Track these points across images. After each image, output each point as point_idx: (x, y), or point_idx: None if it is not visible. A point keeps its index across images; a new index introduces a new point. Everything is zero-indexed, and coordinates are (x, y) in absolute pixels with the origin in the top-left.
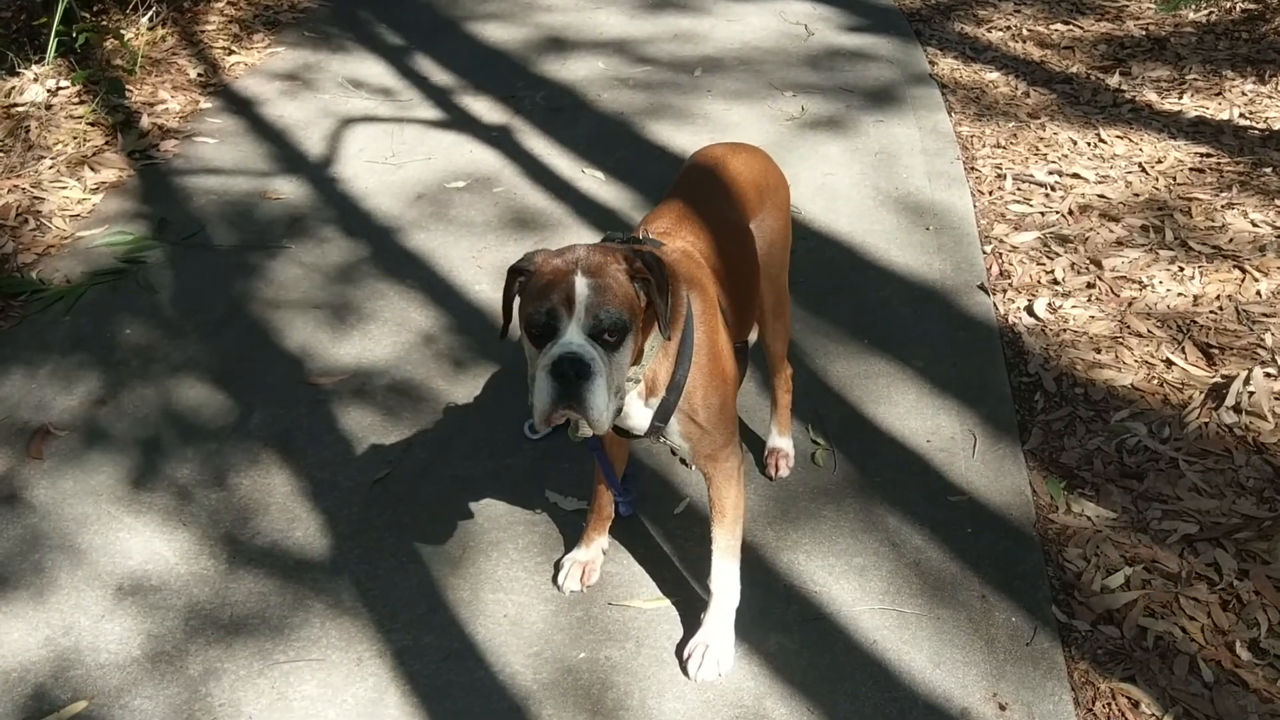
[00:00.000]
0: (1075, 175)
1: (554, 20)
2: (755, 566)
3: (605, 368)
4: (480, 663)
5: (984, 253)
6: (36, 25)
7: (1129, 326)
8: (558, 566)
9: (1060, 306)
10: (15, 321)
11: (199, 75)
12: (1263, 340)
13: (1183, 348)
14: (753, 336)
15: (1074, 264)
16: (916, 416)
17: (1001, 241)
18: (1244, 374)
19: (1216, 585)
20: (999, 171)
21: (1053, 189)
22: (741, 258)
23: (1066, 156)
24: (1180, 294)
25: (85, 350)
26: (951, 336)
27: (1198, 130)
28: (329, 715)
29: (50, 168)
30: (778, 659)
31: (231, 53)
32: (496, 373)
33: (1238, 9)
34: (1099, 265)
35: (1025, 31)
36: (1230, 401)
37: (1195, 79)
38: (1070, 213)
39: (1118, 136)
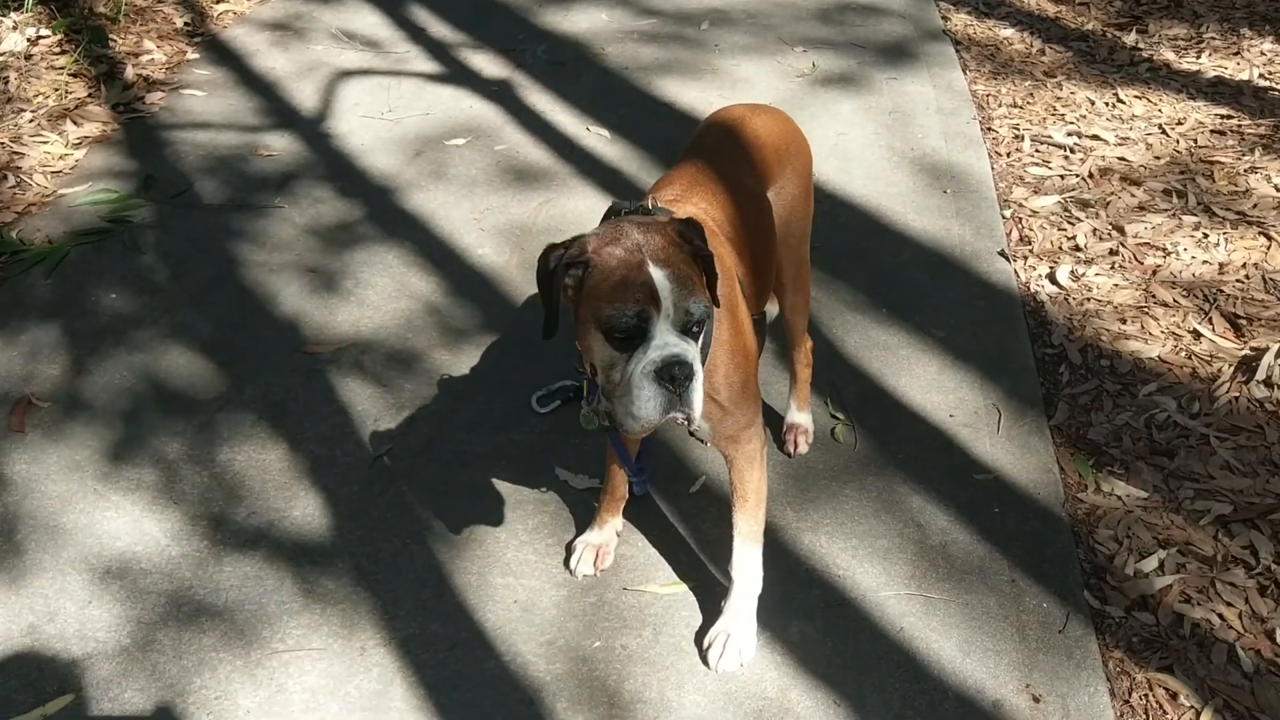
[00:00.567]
0: (1094, 137)
1: None
2: (776, 549)
3: (699, 362)
4: (490, 652)
5: (1003, 217)
6: None
7: (1154, 296)
8: (570, 549)
9: (1083, 274)
10: None
11: (185, 24)
12: None
13: (1210, 318)
14: (771, 309)
15: (1096, 230)
16: (938, 389)
17: (1021, 205)
18: (1275, 347)
19: (1254, 569)
20: (1016, 132)
21: (1072, 151)
22: (759, 226)
23: (1085, 117)
24: (1205, 261)
25: (68, 315)
26: (972, 305)
27: (1217, 91)
28: (331, 709)
29: (30, 121)
30: (801, 648)
31: (219, 0)
32: (500, 342)
33: None
34: (1121, 231)
35: None
36: (1261, 375)
37: (1213, 38)
38: (1090, 176)
39: (1136, 97)
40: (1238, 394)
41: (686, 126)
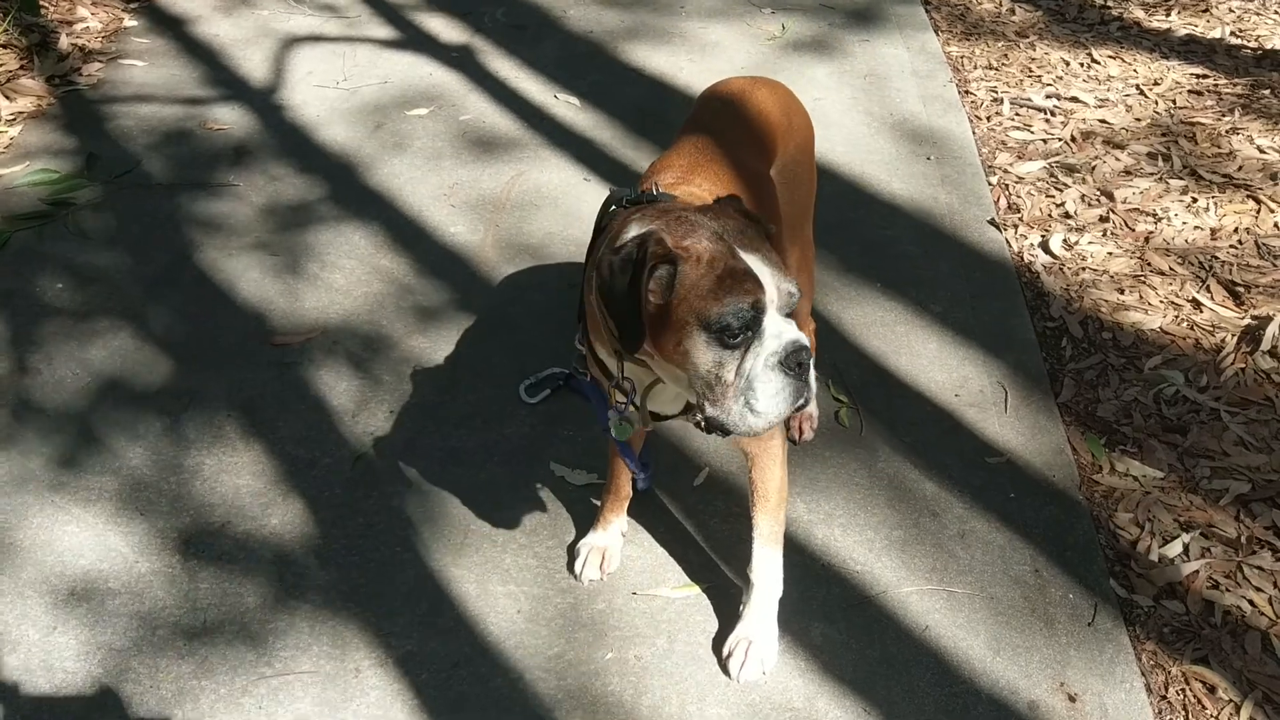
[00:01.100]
0: (1073, 99)
1: None
2: (790, 544)
3: None
4: (495, 669)
5: (990, 184)
6: None
7: (1149, 264)
8: (573, 553)
9: (1076, 243)
10: None
11: None
12: None
13: (1208, 286)
14: None
15: (1084, 195)
16: (941, 368)
17: (1007, 171)
18: (1279, 316)
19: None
20: (994, 95)
21: (1052, 114)
22: (764, 208)
23: (1061, 78)
24: (1197, 227)
25: (10, 309)
26: (966, 277)
27: (1190, 50)
28: None
29: None
30: (824, 652)
31: None
32: (480, 326)
33: None
34: (1110, 197)
35: None
36: (1266, 345)
37: None
38: (1073, 139)
39: (1110, 56)
40: (1243, 365)
41: (658, 93)
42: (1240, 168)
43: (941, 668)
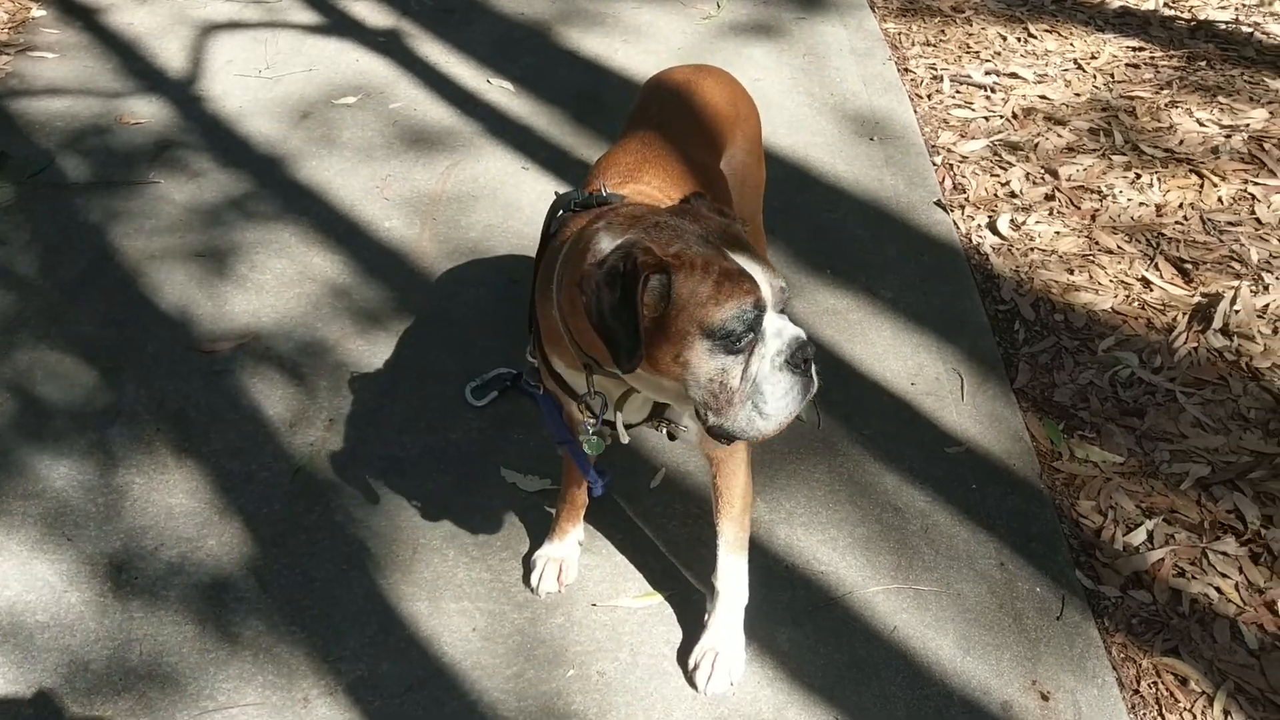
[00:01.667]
0: (1013, 75)
1: None
2: (752, 545)
3: None
4: (451, 691)
5: (934, 164)
6: None
7: (1097, 242)
8: (528, 564)
9: (1023, 223)
10: None
11: None
12: (1235, 252)
13: (1156, 264)
14: None
15: (1029, 174)
16: (895, 356)
17: (950, 151)
18: (1230, 294)
19: (1243, 536)
20: (934, 73)
21: (992, 90)
22: (717, 199)
23: (1000, 54)
24: (1142, 203)
25: None
26: (915, 260)
27: (1125, 22)
28: None
29: None
30: (792, 658)
31: None
32: (420, 326)
33: None
34: (1055, 175)
35: None
36: (1217, 323)
37: None
38: (1015, 116)
39: (1046, 30)
40: (1196, 344)
41: (595, 76)
42: (1181, 142)
43: (912, 670)
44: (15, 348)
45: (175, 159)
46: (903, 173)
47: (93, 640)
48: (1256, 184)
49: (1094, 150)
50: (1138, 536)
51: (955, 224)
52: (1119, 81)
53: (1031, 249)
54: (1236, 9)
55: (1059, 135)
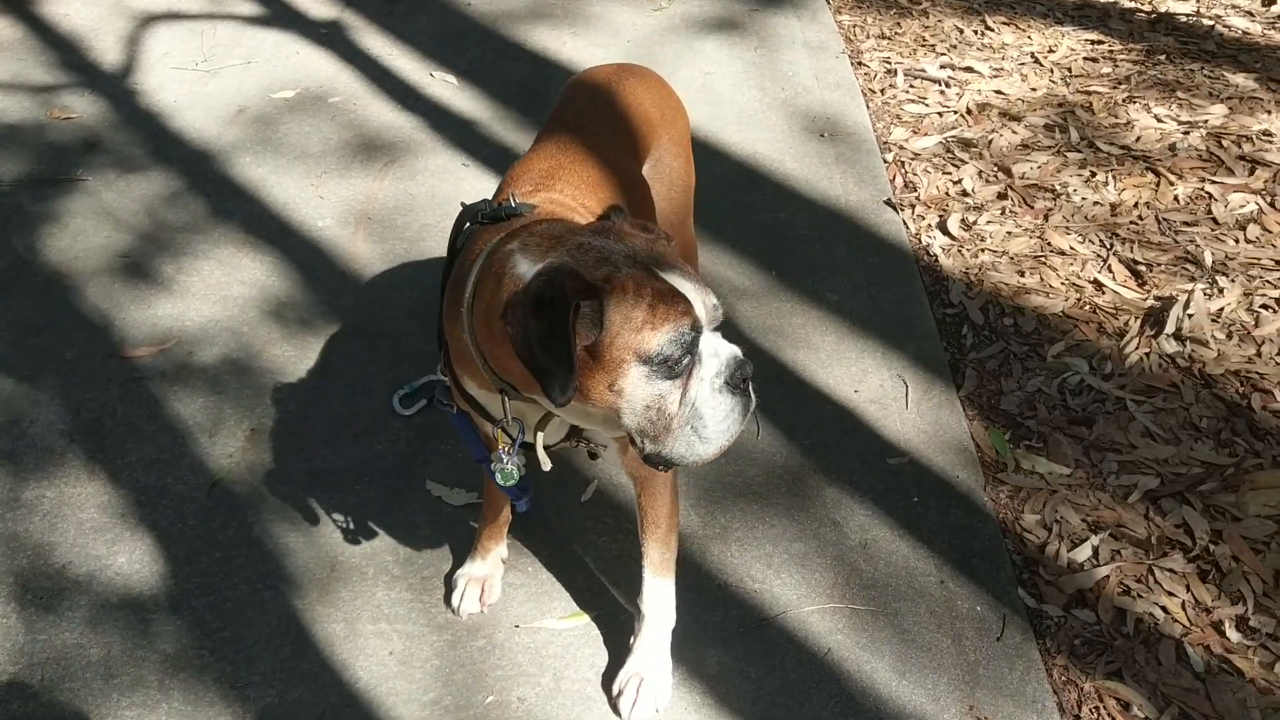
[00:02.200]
0: (968, 69)
1: None
2: (682, 563)
3: None
4: (365, 719)
5: (885, 161)
6: None
7: (1049, 243)
8: (450, 584)
9: (974, 222)
10: None
11: None
12: (1190, 253)
13: (1109, 266)
14: None
15: (981, 172)
16: (839, 362)
17: (902, 148)
18: (1183, 298)
19: (1191, 552)
20: (888, 66)
21: (947, 85)
22: (637, 211)
23: (956, 48)
24: (1096, 202)
25: None
26: (864, 262)
27: (1084, 15)
28: None
29: None
30: (722, 682)
31: None
32: (350, 332)
33: None
34: (1008, 173)
35: None
36: (1170, 328)
37: None
38: (969, 112)
39: (1004, 23)
40: (1148, 350)
41: (541, 70)
42: (1138, 139)
43: (845, 694)
44: None
45: (105, 155)
46: (853, 171)
47: None
48: (1214, 182)
49: (1049, 147)
50: (1083, 552)
51: (905, 224)
52: (1076, 76)
53: (982, 250)
54: (1198, 1)
55: (1013, 132)
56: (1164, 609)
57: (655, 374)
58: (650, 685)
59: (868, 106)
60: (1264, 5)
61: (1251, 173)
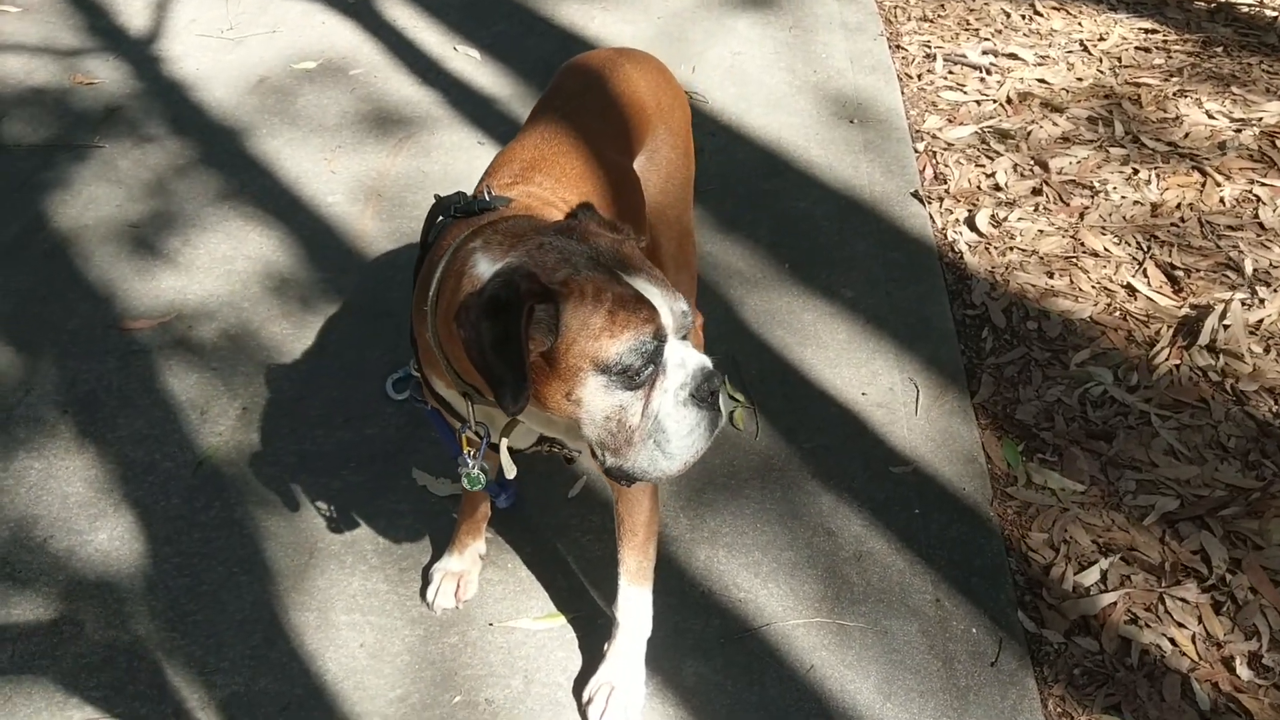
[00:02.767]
0: (1012, 56)
1: None
2: (667, 567)
3: None
4: (328, 714)
5: (916, 151)
6: None
7: (1083, 244)
8: (426, 577)
9: (1005, 219)
10: None
11: None
12: (1231, 259)
13: (1145, 270)
14: None
15: (1017, 165)
16: (849, 362)
17: (935, 137)
18: (1220, 307)
19: (1206, 580)
20: (928, 51)
21: (988, 72)
22: (622, 206)
23: (1001, 32)
24: (1137, 201)
25: None
26: (884, 257)
27: (1140, 2)
28: None
29: None
30: (697, 695)
31: None
32: (352, 311)
33: None
34: (1045, 167)
35: None
36: (1204, 340)
37: None
38: (1009, 101)
39: (1054, 8)
40: (1178, 361)
41: (567, 46)
42: (1187, 135)
43: (824, 715)
44: None
45: (124, 123)
46: (881, 160)
47: None
48: (1263, 184)
49: (1091, 141)
50: (1090, 576)
51: (931, 218)
52: (1126, 66)
53: (1010, 248)
54: None
55: (1054, 124)
56: (1172, 641)
57: (614, 384)
58: (621, 695)
59: (902, 92)
60: None
61: None
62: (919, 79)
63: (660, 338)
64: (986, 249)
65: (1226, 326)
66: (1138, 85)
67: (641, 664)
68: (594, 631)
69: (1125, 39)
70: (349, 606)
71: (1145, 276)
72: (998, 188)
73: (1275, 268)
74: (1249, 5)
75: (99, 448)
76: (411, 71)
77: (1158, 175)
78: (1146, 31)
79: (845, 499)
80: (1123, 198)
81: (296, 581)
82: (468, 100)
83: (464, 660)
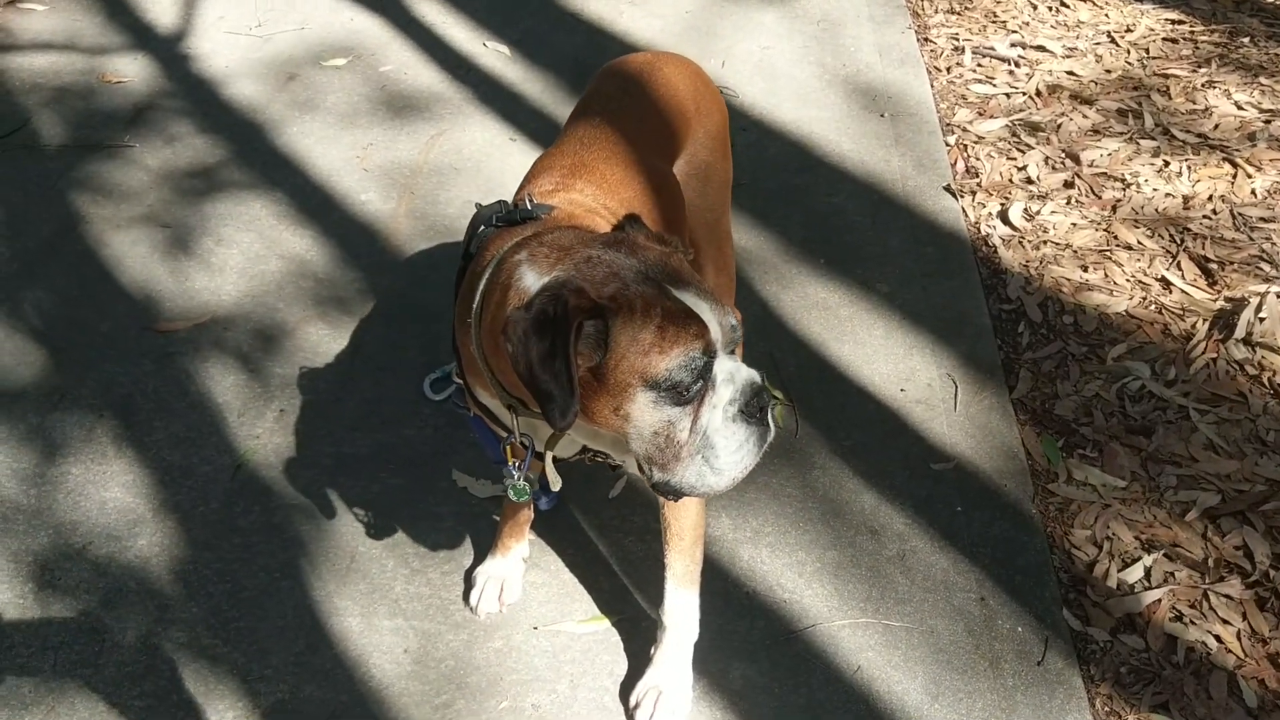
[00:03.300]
0: (1040, 48)
1: None
2: (710, 568)
3: None
4: None
5: (947, 145)
6: None
7: (1116, 237)
8: (469, 581)
9: (1038, 212)
10: None
11: None
12: (1265, 251)
13: (1178, 263)
14: None
15: (1048, 158)
16: (886, 358)
17: (966, 130)
18: (1255, 300)
19: (1250, 577)
20: (956, 44)
21: (1017, 64)
22: (666, 213)
23: (1028, 25)
24: (1169, 194)
25: None
26: (918, 252)
27: None
28: None
29: None
30: (744, 698)
31: None
32: (386, 311)
33: None
34: (1076, 160)
35: None
36: (1240, 333)
37: None
38: (1038, 94)
39: (1080, 0)
40: (1215, 355)
41: (596, 41)
42: (1217, 126)
43: (874, 716)
44: None
45: (154, 122)
46: (912, 153)
47: (7, 645)
48: None
49: (1121, 133)
50: (1134, 573)
51: (964, 211)
52: (1154, 58)
53: (1044, 242)
54: None
55: (1084, 116)
56: (1218, 638)
57: (663, 400)
58: (668, 699)
59: (932, 86)
60: None
61: None
62: (948, 72)
63: (710, 353)
64: (1020, 243)
65: (1262, 319)
66: (1166, 77)
67: (689, 668)
68: (639, 634)
69: (1152, 30)
70: (392, 611)
71: (1179, 269)
72: (1030, 181)
73: None
74: None
75: (136, 452)
76: (441, 67)
77: (1189, 167)
78: (1173, 22)
79: (887, 497)
80: (1154, 190)
81: (338, 586)
82: (498, 96)
83: (509, 665)
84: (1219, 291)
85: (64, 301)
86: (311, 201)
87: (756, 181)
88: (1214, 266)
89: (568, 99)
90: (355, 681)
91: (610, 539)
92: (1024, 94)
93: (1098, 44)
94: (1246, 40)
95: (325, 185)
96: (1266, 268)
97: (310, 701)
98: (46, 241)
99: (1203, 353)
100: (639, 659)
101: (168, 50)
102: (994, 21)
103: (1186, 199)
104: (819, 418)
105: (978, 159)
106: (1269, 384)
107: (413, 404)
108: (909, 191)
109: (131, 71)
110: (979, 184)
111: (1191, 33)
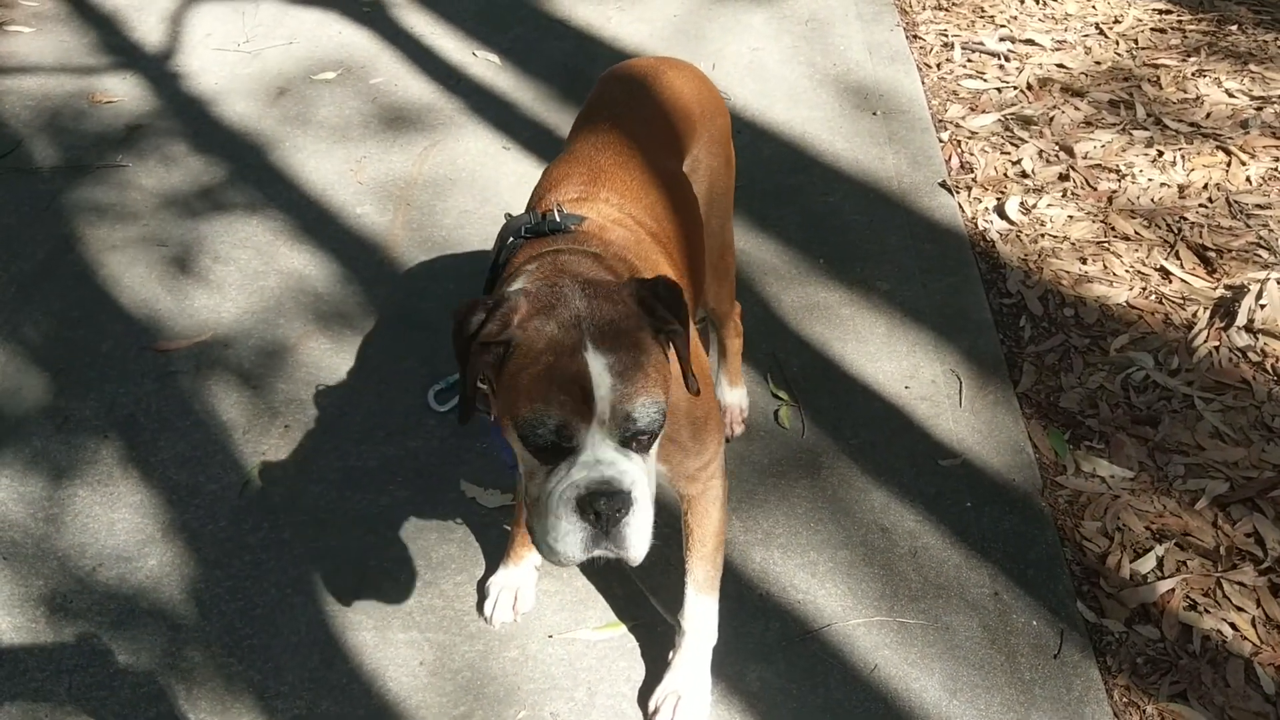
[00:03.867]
0: (1029, 42)
1: None
2: (724, 570)
3: (646, 482)
4: None
5: (940, 141)
6: None
7: (1113, 228)
8: (482, 591)
9: (1034, 205)
10: None
11: None
12: (1262, 238)
13: (1176, 252)
14: None
15: (1042, 151)
16: (890, 356)
17: (958, 126)
18: (1255, 287)
19: (1262, 563)
20: (945, 40)
21: (1006, 59)
22: (684, 215)
23: (1016, 18)
24: (1164, 184)
25: None
26: (917, 249)
27: None
28: None
29: None
30: (762, 700)
31: None
32: (387, 324)
33: None
34: (1070, 152)
35: None
36: (1241, 320)
37: None
38: (1029, 87)
39: None
40: (1217, 343)
41: (585, 48)
42: (1208, 115)
43: (892, 715)
44: None
45: (146, 141)
46: (906, 151)
47: (20, 670)
48: None
49: (1113, 125)
50: (1146, 563)
51: (960, 207)
52: (1143, 48)
53: (1042, 234)
54: None
55: (1076, 108)
56: (1233, 625)
57: (528, 443)
58: (687, 704)
59: (923, 82)
60: None
61: None
62: (938, 68)
63: (564, 432)
64: (1018, 237)
65: (1263, 306)
66: (1156, 66)
67: (708, 672)
68: (654, 639)
69: (1140, 20)
70: (406, 624)
71: (1178, 259)
72: (1025, 175)
73: None
74: None
75: (142, 472)
76: (432, 78)
77: (1182, 156)
78: (1161, 12)
79: (896, 495)
80: (1149, 180)
81: (351, 601)
82: (490, 105)
83: (526, 674)
84: (1218, 279)
85: (62, 323)
86: (308, 216)
87: (752, 183)
88: (1212, 255)
89: (560, 106)
90: (372, 695)
91: None
92: (1015, 88)
93: (1086, 36)
94: (1234, 28)
95: (321, 200)
96: (1265, 254)
97: (327, 717)
98: (42, 264)
99: (1205, 341)
100: (656, 664)
101: (156, 69)
102: (982, 16)
103: (1182, 188)
104: (824, 417)
105: (972, 154)
106: (1272, 370)
107: (418, 415)
108: (904, 189)
109: (121, 91)
110: (974, 179)
111: (1179, 22)
